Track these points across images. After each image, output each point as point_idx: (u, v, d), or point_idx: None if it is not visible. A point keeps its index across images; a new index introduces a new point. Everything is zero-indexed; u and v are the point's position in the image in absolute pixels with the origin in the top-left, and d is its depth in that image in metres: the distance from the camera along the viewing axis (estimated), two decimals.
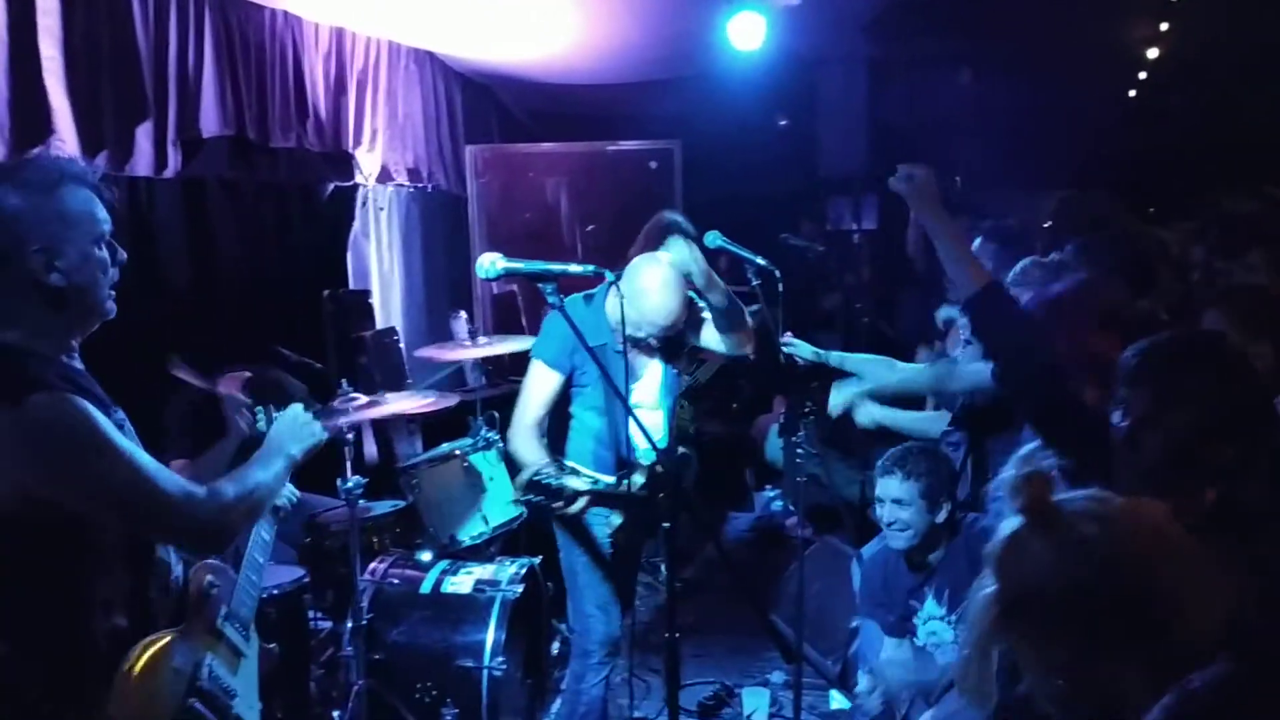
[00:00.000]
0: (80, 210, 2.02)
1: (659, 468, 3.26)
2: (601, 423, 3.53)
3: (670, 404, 3.65)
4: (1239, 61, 8.86)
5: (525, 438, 3.49)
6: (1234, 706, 1.24)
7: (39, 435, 1.85)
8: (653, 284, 3.34)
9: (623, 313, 3.09)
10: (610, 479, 3.41)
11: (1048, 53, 9.03)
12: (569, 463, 3.48)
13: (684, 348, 3.72)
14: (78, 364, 2.08)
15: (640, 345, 3.43)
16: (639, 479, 3.33)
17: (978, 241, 4.33)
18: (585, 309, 3.45)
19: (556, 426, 3.57)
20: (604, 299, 3.45)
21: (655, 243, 4.86)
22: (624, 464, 3.43)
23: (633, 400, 3.34)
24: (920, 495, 3.33)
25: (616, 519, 3.53)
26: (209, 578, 2.27)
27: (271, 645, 2.47)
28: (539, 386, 3.50)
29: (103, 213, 2.07)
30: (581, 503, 3.27)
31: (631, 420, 2.96)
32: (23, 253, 1.93)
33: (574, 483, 3.27)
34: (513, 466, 4.35)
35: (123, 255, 2.12)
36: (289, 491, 2.70)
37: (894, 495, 3.37)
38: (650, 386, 3.58)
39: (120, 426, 2.03)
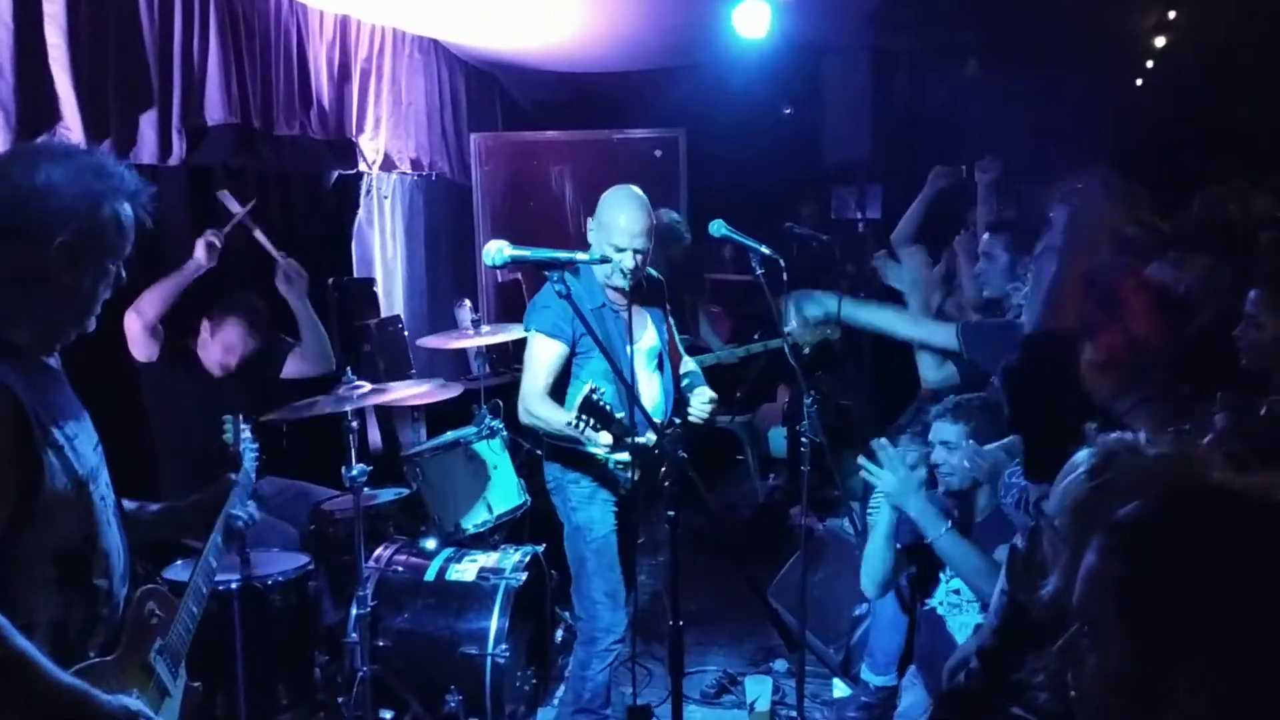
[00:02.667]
0: (120, 226, 1.99)
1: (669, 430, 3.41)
2: (610, 389, 3.49)
3: (668, 369, 3.69)
4: (1248, 49, 8.82)
5: (538, 400, 3.50)
6: None
7: None
8: (619, 201, 3.52)
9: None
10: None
11: (1054, 42, 8.99)
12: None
13: (665, 296, 3.81)
14: (54, 362, 2.02)
15: (628, 294, 3.48)
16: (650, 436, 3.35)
17: (986, 236, 4.34)
18: (574, 280, 3.42)
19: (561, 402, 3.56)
20: (590, 271, 3.51)
21: (658, 247, 4.87)
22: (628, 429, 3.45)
23: (632, 365, 3.45)
24: (967, 438, 3.34)
25: (627, 483, 3.54)
26: (151, 605, 2.16)
27: (196, 684, 2.30)
28: (543, 357, 3.51)
29: (133, 235, 2.03)
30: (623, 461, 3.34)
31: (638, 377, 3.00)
32: (48, 240, 1.89)
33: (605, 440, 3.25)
34: (516, 455, 4.38)
35: (124, 278, 2.06)
36: (247, 512, 2.55)
37: (943, 438, 3.39)
38: (646, 349, 3.61)
39: (61, 444, 1.90)
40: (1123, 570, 1.18)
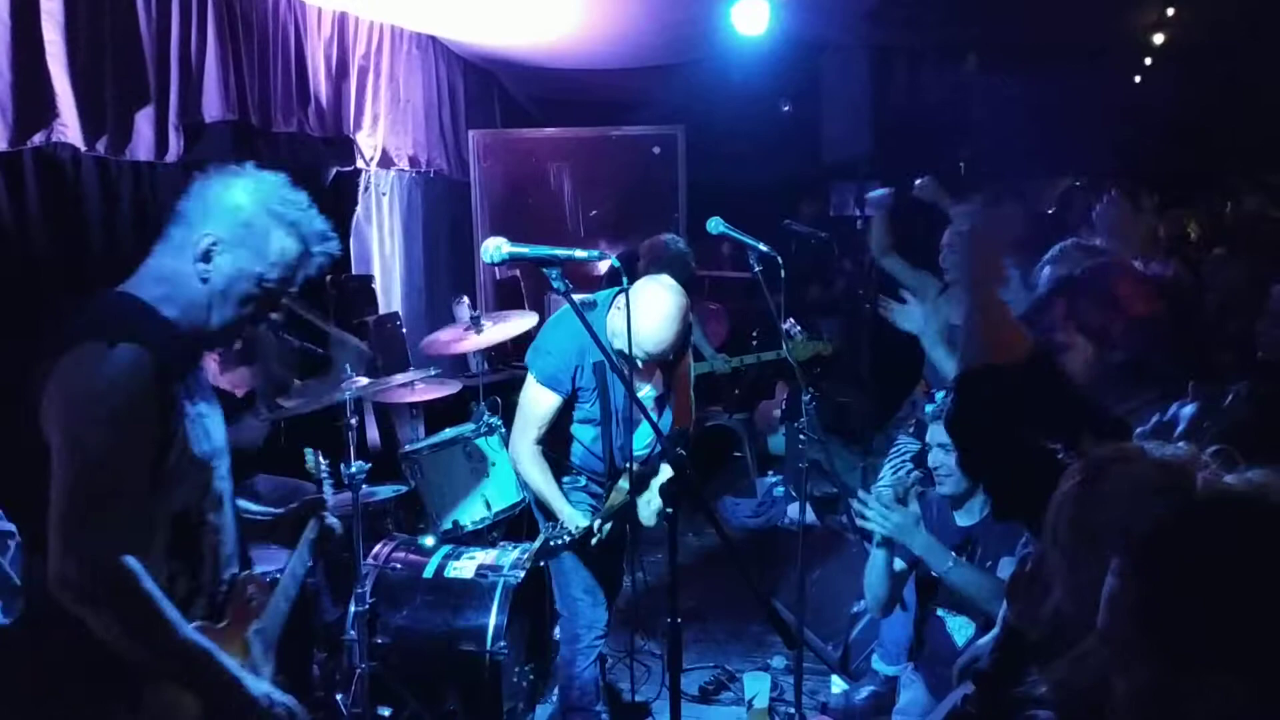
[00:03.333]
0: (271, 246, 2.08)
1: (643, 467, 3.46)
2: (594, 433, 3.58)
3: (667, 414, 3.70)
4: (1246, 47, 8.82)
5: (529, 460, 3.52)
6: None
7: (76, 375, 1.87)
8: (654, 311, 3.31)
9: (629, 325, 3.01)
10: (597, 488, 3.60)
11: (1053, 39, 8.98)
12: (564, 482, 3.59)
13: (679, 361, 3.74)
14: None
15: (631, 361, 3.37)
16: (624, 485, 3.39)
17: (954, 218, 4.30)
18: (564, 338, 3.46)
19: (549, 434, 3.58)
20: (606, 311, 3.44)
21: (657, 266, 4.85)
22: (615, 472, 3.50)
23: (627, 414, 3.46)
24: None
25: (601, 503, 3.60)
26: (253, 589, 2.27)
27: (281, 676, 2.39)
28: (538, 408, 3.50)
29: (285, 271, 2.11)
30: (602, 529, 3.38)
31: (634, 421, 2.98)
32: (200, 229, 2.04)
33: (578, 522, 3.39)
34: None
35: (276, 318, 2.19)
36: (335, 522, 2.67)
37: (940, 440, 3.37)
38: (645, 396, 3.60)
39: (194, 419, 2.03)
40: (1143, 590, 1.18)
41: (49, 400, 1.88)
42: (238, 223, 2.06)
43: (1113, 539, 1.31)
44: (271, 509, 2.63)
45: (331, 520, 2.61)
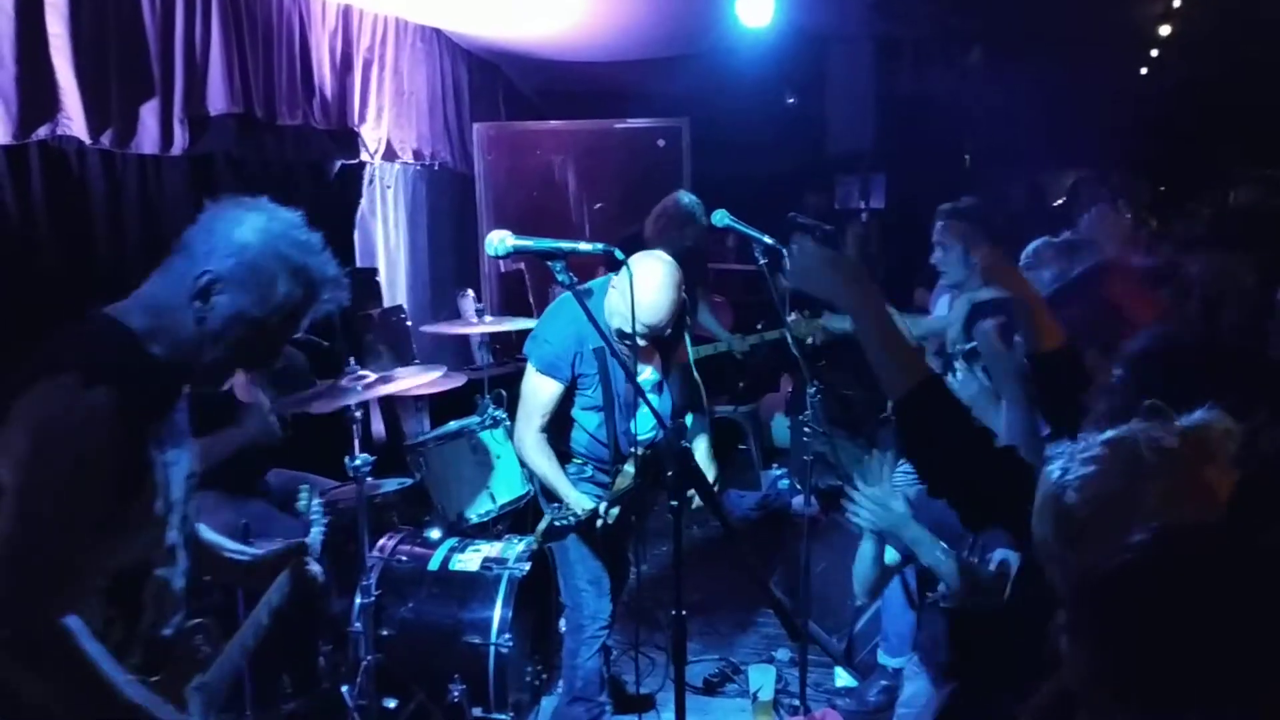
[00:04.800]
0: (276, 290, 1.96)
1: (648, 452, 3.44)
2: (598, 419, 3.58)
3: (666, 394, 3.70)
4: (1251, 38, 8.79)
5: (535, 449, 3.53)
6: None
7: (43, 411, 1.75)
8: (647, 282, 3.31)
9: (632, 300, 3.03)
10: (603, 475, 3.58)
11: (1058, 30, 8.96)
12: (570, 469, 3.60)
13: (677, 341, 3.74)
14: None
15: (630, 340, 3.35)
16: (629, 469, 3.41)
17: (939, 224, 4.28)
18: (564, 325, 3.46)
19: (552, 423, 3.59)
20: (602, 296, 3.45)
21: (674, 228, 4.88)
22: (620, 457, 3.51)
23: (629, 399, 3.45)
24: None
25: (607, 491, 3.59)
26: (200, 638, 2.15)
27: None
28: (540, 396, 3.51)
29: (288, 318, 2.00)
30: (608, 513, 3.38)
31: (636, 405, 2.98)
32: (198, 264, 1.92)
33: (584, 505, 3.40)
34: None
35: (276, 364, 2.14)
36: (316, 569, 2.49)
37: None
38: (646, 380, 3.61)
39: (159, 468, 1.92)
40: (1095, 644, 1.17)
41: (10, 431, 1.75)
42: (243, 262, 1.93)
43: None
44: (249, 550, 2.45)
45: (314, 568, 2.45)
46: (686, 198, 4.93)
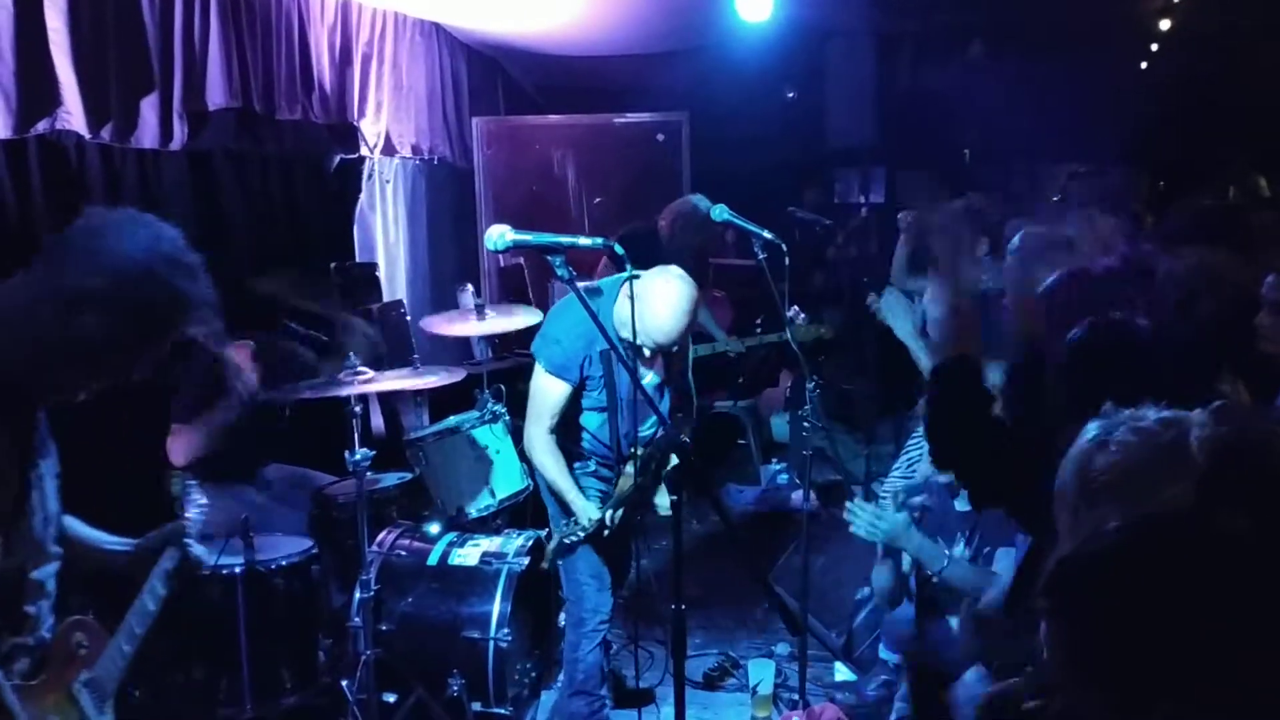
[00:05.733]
0: (147, 310, 1.87)
1: (648, 449, 3.46)
2: (601, 420, 3.59)
3: (667, 397, 3.71)
4: (1251, 33, 8.79)
5: (544, 450, 3.53)
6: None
7: None
8: (665, 303, 3.30)
9: (633, 315, 3.07)
10: (606, 471, 3.61)
11: (1058, 25, 8.94)
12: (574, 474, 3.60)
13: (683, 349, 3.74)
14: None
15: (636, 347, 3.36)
16: (630, 470, 3.42)
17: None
18: (595, 305, 3.41)
19: (560, 423, 3.59)
20: (613, 299, 3.42)
21: (691, 230, 4.89)
22: (622, 458, 3.52)
23: (632, 400, 3.44)
24: None
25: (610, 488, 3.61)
26: (79, 635, 2.11)
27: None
28: (549, 397, 3.50)
29: (153, 339, 1.92)
30: (614, 518, 3.41)
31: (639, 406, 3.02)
32: (67, 277, 1.82)
33: (590, 515, 3.41)
34: (518, 439, 4.38)
35: (124, 379, 1.96)
36: (199, 552, 2.47)
37: None
38: (648, 384, 3.61)
39: (35, 482, 1.89)
40: (1074, 630, 1.19)
41: None
42: (120, 282, 1.82)
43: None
44: (128, 541, 2.40)
45: (196, 549, 2.41)
46: (702, 202, 4.91)
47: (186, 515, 2.49)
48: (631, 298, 3.08)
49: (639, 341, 3.29)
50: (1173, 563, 1.16)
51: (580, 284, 2.74)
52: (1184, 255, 3.58)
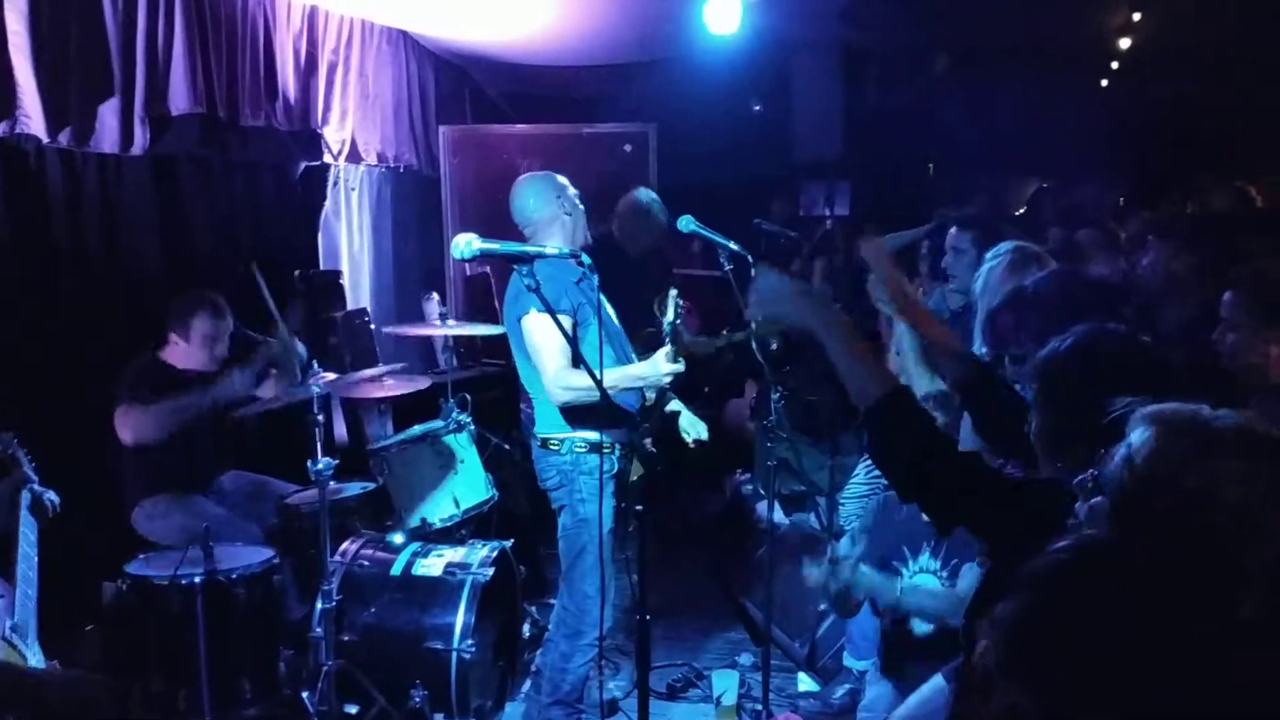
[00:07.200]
0: None
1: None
2: (609, 355, 3.49)
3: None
4: (1211, 51, 8.95)
5: (567, 376, 3.41)
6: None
7: None
8: (548, 174, 3.71)
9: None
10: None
11: (1022, 42, 9.07)
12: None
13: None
14: None
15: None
16: (638, 465, 3.44)
17: (953, 231, 4.35)
18: (544, 265, 3.29)
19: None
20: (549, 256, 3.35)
21: (636, 224, 4.94)
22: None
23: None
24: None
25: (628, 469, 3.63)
26: None
27: (53, 661, 2.52)
28: (552, 334, 3.30)
29: None
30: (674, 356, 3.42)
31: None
32: None
33: (662, 369, 3.40)
34: (484, 449, 4.37)
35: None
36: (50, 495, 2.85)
37: None
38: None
39: None
40: (1023, 616, 1.21)
41: None
42: None
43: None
44: None
45: (49, 494, 2.81)
46: (644, 194, 5.00)
47: (21, 469, 2.86)
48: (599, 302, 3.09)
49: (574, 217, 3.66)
50: (1102, 586, 1.19)
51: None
52: (1146, 266, 3.64)
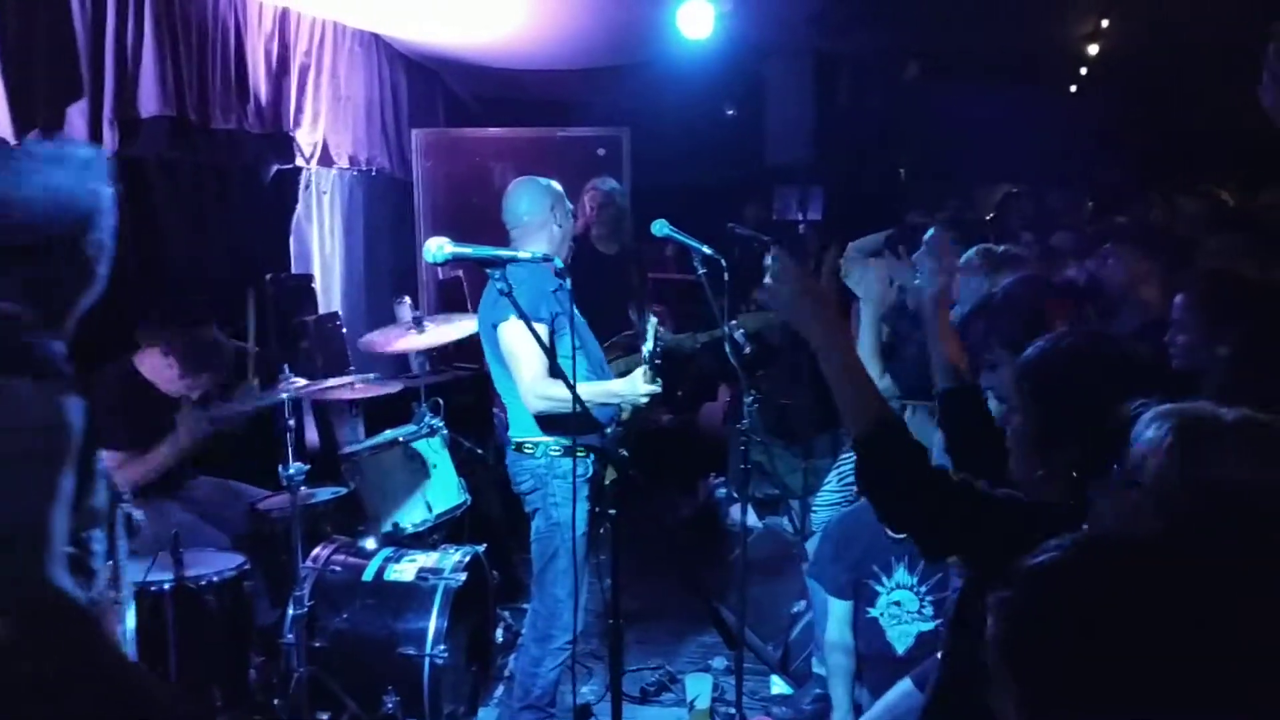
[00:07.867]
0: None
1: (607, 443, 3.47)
2: (582, 367, 3.46)
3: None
4: (1179, 58, 9.05)
5: (545, 386, 3.38)
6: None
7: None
8: (541, 179, 3.73)
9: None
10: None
11: (992, 49, 9.15)
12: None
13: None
14: None
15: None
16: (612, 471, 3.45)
17: (930, 231, 4.37)
18: (521, 270, 3.36)
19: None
20: (522, 260, 3.38)
21: (609, 214, 5.01)
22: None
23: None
24: None
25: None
26: None
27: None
28: (528, 342, 3.28)
29: None
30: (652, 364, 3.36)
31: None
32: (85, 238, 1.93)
33: (639, 388, 3.36)
34: (456, 454, 4.36)
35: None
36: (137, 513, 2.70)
37: None
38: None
39: None
40: (1010, 620, 1.21)
41: None
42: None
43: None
44: None
45: (134, 511, 2.62)
46: (604, 183, 5.15)
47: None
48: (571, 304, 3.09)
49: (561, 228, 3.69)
50: (1107, 586, 1.18)
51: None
52: (1105, 270, 3.67)
